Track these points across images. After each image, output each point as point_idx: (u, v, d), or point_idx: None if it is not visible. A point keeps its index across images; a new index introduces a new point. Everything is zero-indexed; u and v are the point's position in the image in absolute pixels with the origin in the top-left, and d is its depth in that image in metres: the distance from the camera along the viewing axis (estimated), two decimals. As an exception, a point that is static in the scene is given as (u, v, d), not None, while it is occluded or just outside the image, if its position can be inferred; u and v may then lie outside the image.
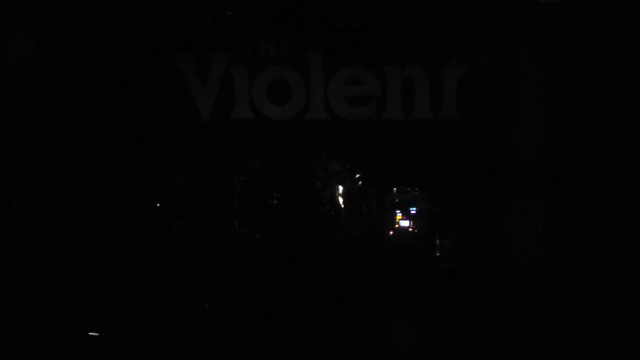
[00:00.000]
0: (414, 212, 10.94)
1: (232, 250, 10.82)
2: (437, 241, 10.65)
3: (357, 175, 11.05)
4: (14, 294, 8.33)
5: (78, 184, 9.63)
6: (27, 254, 8.29)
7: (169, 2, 9.57)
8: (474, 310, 9.30)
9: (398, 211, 10.93)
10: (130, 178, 10.56)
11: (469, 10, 9.66)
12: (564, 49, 8.25)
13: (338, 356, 8.40)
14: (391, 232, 10.98)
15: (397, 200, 10.95)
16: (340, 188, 11.09)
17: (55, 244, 8.65)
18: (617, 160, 7.60)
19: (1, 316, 8.47)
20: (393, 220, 10.94)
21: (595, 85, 8.16)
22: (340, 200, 11.11)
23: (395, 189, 10.99)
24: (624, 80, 7.71)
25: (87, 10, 9.25)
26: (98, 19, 9.63)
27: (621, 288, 7.77)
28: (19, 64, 7.76)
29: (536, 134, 8.21)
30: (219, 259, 10.68)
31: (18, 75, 7.75)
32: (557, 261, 8.05)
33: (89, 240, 9.67)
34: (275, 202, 10.87)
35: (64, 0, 8.13)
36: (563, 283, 8.02)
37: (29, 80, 7.82)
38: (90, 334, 8.88)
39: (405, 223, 10.94)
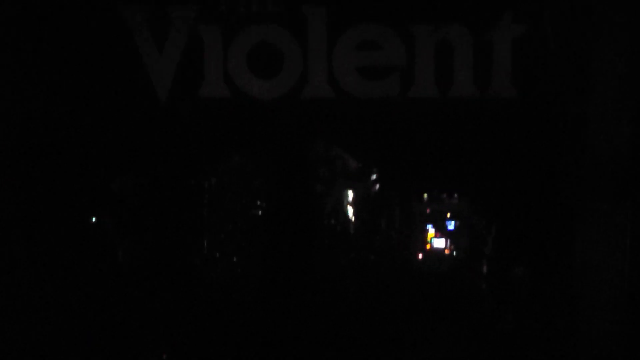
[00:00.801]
0: (452, 227, 10.72)
1: (200, 280, 10.53)
2: (485, 268, 10.45)
3: (374, 176, 10.76)
4: None
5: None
6: None
7: None
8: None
9: (430, 226, 10.67)
10: (57, 180, 10.23)
11: None
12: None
13: None
14: (421, 256, 10.72)
15: (429, 211, 10.67)
16: (350, 193, 10.86)
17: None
18: None
19: None
20: (424, 239, 10.68)
21: None
22: (350, 210, 10.88)
23: (426, 195, 10.71)
24: None
25: None
26: None
27: None
28: None
29: (624, 119, 8.18)
30: (182, 292, 10.36)
31: None
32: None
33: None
34: (260, 212, 10.62)
35: None
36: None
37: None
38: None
39: (440, 243, 10.68)
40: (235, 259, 10.68)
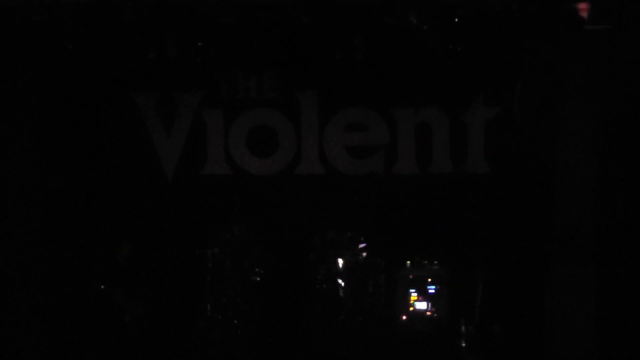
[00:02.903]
0: (433, 291, 10.75)
1: (203, 340, 10.59)
2: (463, 328, 10.57)
3: (361, 245, 10.89)
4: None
5: (10, 255, 9.77)
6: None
7: (125, 30, 9.59)
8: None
9: (413, 290, 10.76)
10: (74, 250, 10.49)
11: (498, 40, 9.70)
12: (618, 85, 8.45)
13: None
14: (404, 317, 10.81)
15: (411, 277, 10.79)
16: (340, 261, 10.87)
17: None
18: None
19: None
20: (407, 302, 10.75)
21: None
22: (340, 276, 10.85)
23: (409, 262, 10.86)
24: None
25: (27, 41, 9.40)
26: (41, 52, 9.78)
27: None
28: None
29: (585, 190, 8.30)
30: (186, 353, 10.52)
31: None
32: (613, 343, 8.14)
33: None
34: (258, 278, 10.70)
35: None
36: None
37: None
38: None
39: (422, 305, 10.76)
40: (235, 321, 10.72)
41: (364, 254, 10.93)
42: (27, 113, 10.22)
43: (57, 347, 10.09)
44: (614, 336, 8.25)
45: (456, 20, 9.38)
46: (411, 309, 10.78)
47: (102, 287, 10.51)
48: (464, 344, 10.50)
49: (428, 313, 10.76)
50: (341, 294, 10.90)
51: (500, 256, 10.43)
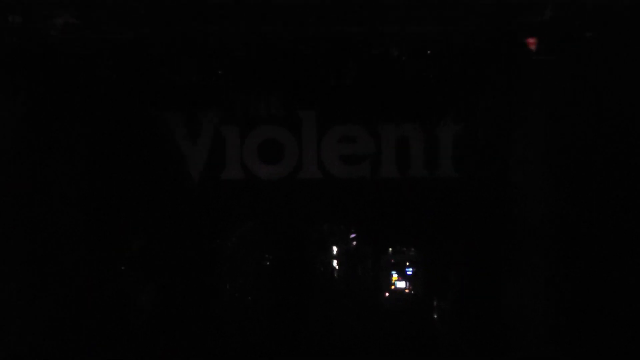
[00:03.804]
0: (410, 272, 10.49)
1: (223, 313, 10.32)
2: (435, 303, 10.29)
3: (352, 236, 10.62)
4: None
5: (60, 247, 9.31)
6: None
7: (158, 61, 9.31)
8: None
9: (394, 272, 10.48)
10: (117, 239, 10.19)
11: (463, 67, 9.44)
12: (563, 106, 8.33)
13: None
14: (387, 294, 10.51)
15: (392, 261, 10.49)
16: (334, 249, 10.61)
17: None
18: (623, 218, 7.63)
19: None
20: (389, 282, 10.49)
21: (595, 141, 8.21)
22: (334, 261, 10.61)
23: (390, 249, 10.55)
24: (625, 138, 7.76)
25: (74, 70, 9.06)
26: (85, 79, 9.41)
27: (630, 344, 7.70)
28: (8, 126, 7.75)
29: (536, 192, 8.21)
30: (211, 324, 10.17)
31: (3, 136, 7.74)
32: (563, 325, 7.97)
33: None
34: (267, 263, 10.41)
35: (50, 64, 8.22)
36: (569, 345, 7.92)
37: (17, 142, 7.82)
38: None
39: (401, 284, 10.48)
40: (249, 298, 10.49)
41: (354, 243, 10.63)
42: (81, 127, 9.91)
43: (82, 322, 9.57)
44: (564, 312, 8.07)
45: (429, 52, 9.22)
46: (393, 287, 10.49)
47: (123, 268, 10.16)
48: (436, 316, 10.21)
49: (407, 291, 10.47)
50: (335, 275, 10.57)
51: (467, 246, 10.14)
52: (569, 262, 8.07)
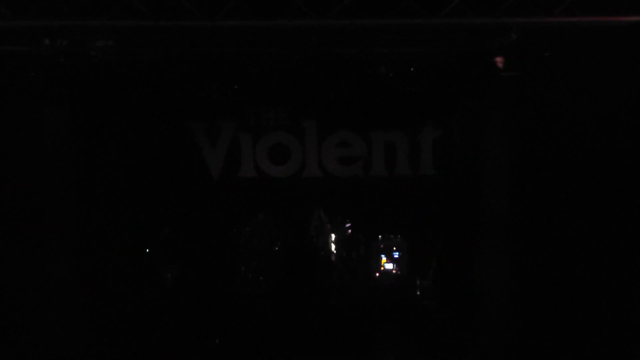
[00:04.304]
0: (397, 256, 10.42)
1: (239, 291, 10.26)
2: (418, 282, 10.23)
3: (347, 225, 10.55)
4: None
5: (103, 235, 9.10)
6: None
7: (183, 78, 9.20)
8: (452, 343, 9.19)
9: (383, 255, 10.42)
10: (150, 227, 10.14)
11: (442, 83, 9.33)
12: (525, 114, 8.29)
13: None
14: (377, 274, 10.42)
15: (382, 246, 10.42)
16: (333, 236, 10.57)
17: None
18: (575, 210, 7.61)
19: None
20: (379, 264, 10.42)
21: (552, 145, 8.19)
22: (333, 246, 10.55)
23: (380, 236, 10.49)
24: (577, 141, 7.75)
25: (112, 85, 8.94)
26: (123, 94, 9.35)
27: (577, 317, 7.70)
28: (55, 133, 7.72)
29: (502, 188, 8.15)
30: (227, 299, 10.08)
31: (54, 142, 7.72)
32: (523, 299, 7.93)
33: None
34: (277, 249, 10.36)
35: (92, 80, 8.20)
36: (528, 314, 7.89)
37: (63, 146, 7.79)
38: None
39: (389, 266, 10.40)
40: (261, 278, 10.41)
41: (350, 231, 10.60)
42: (118, 134, 9.81)
43: (118, 298, 9.28)
44: (524, 291, 8.01)
45: (412, 70, 9.10)
46: (382, 268, 10.45)
47: (147, 250, 10.00)
48: (418, 293, 10.13)
49: (394, 272, 10.43)
50: (333, 259, 10.55)
51: (444, 233, 10.08)
52: (529, 245, 8.01)
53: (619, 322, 6.95)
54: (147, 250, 10.01)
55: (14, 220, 7.58)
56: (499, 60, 7.81)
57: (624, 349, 6.83)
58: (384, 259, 10.49)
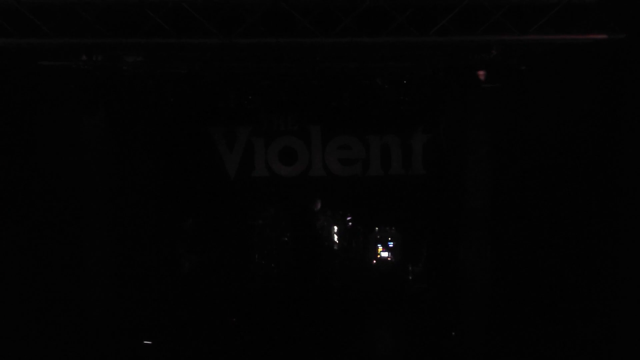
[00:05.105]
0: (391, 245, 10.34)
1: (253, 275, 10.24)
2: (410, 268, 10.13)
3: (348, 218, 10.48)
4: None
5: (135, 226, 9.14)
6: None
7: (204, 89, 9.16)
8: (439, 320, 9.17)
9: (379, 245, 10.37)
10: (176, 220, 10.03)
11: (431, 93, 9.31)
12: (504, 121, 8.26)
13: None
14: (374, 261, 10.37)
15: (378, 237, 10.36)
16: (335, 228, 10.51)
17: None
18: (546, 204, 7.59)
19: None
20: (375, 252, 10.36)
21: (528, 147, 8.17)
22: (336, 237, 10.49)
23: (377, 228, 10.41)
24: (549, 144, 7.73)
25: (142, 96, 8.91)
26: (151, 103, 9.30)
27: (549, 297, 7.69)
28: (92, 137, 7.71)
29: (483, 185, 8.13)
30: (243, 281, 10.05)
31: (91, 146, 7.71)
32: (501, 282, 7.91)
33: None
34: (286, 239, 10.29)
35: (124, 91, 8.20)
36: (506, 298, 7.86)
37: (99, 149, 7.79)
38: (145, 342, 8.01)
39: (385, 254, 10.34)
40: (272, 265, 10.32)
41: (350, 224, 10.53)
42: (148, 138, 9.74)
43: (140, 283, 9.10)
44: (502, 275, 7.97)
45: (404, 81, 9.06)
46: (378, 256, 10.37)
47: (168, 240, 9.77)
48: (410, 277, 10.06)
49: (389, 259, 10.36)
50: (336, 248, 10.50)
51: (432, 225, 10.00)
52: (506, 235, 7.98)
53: (589, 300, 6.92)
54: (174, 239, 9.93)
55: (58, 212, 7.54)
56: (481, 73, 7.77)
57: (595, 324, 6.79)
58: (380, 247, 10.43)
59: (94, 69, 6.99)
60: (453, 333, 8.18)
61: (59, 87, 7.39)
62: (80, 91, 7.34)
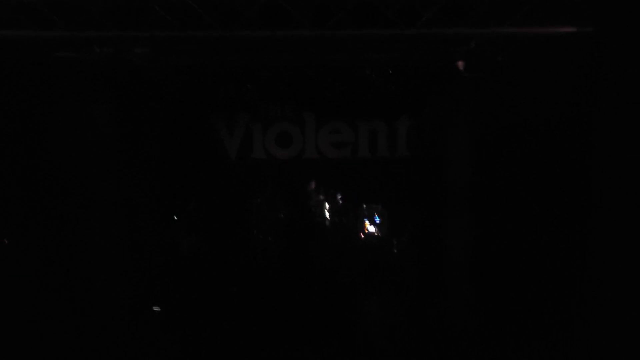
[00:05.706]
0: (378, 221, 10.26)
1: (252, 250, 10.15)
2: (395, 241, 10.06)
3: (339, 197, 10.36)
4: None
5: (140, 208, 9.03)
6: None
7: (206, 79, 9.13)
8: (423, 291, 9.13)
9: (366, 220, 10.26)
10: (179, 200, 9.92)
11: (415, 82, 9.28)
12: (483, 108, 8.18)
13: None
14: (362, 235, 10.32)
15: (366, 213, 10.22)
16: (326, 205, 10.37)
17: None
18: (524, 184, 7.54)
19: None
20: (363, 227, 10.27)
21: (505, 132, 8.09)
22: (327, 213, 10.39)
23: (365, 205, 10.29)
24: (525, 129, 7.65)
25: (149, 86, 8.79)
26: (157, 92, 9.17)
27: (531, 279, 7.64)
28: (101, 125, 7.56)
29: (464, 166, 8.08)
30: (243, 255, 9.97)
31: (100, 133, 7.56)
32: (483, 257, 7.87)
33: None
34: (282, 216, 10.22)
35: (131, 82, 8.08)
36: (488, 272, 7.82)
37: (107, 136, 7.64)
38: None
39: (372, 229, 10.25)
40: (270, 239, 10.26)
41: (341, 202, 10.33)
42: (154, 126, 9.52)
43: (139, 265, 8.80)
44: (483, 247, 7.91)
45: (390, 72, 9.02)
46: (366, 231, 10.25)
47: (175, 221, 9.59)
48: (395, 250, 9.97)
49: (375, 234, 10.22)
50: (327, 224, 10.32)
51: (416, 204, 9.88)
52: (486, 211, 7.92)
53: (568, 271, 6.84)
54: (177, 218, 9.82)
55: (68, 195, 7.42)
56: (461, 64, 7.69)
57: (571, 296, 6.71)
58: (367, 223, 10.34)
59: (104, 60, 6.83)
60: (435, 300, 8.13)
61: (70, 77, 7.22)
62: (90, 82, 7.18)
